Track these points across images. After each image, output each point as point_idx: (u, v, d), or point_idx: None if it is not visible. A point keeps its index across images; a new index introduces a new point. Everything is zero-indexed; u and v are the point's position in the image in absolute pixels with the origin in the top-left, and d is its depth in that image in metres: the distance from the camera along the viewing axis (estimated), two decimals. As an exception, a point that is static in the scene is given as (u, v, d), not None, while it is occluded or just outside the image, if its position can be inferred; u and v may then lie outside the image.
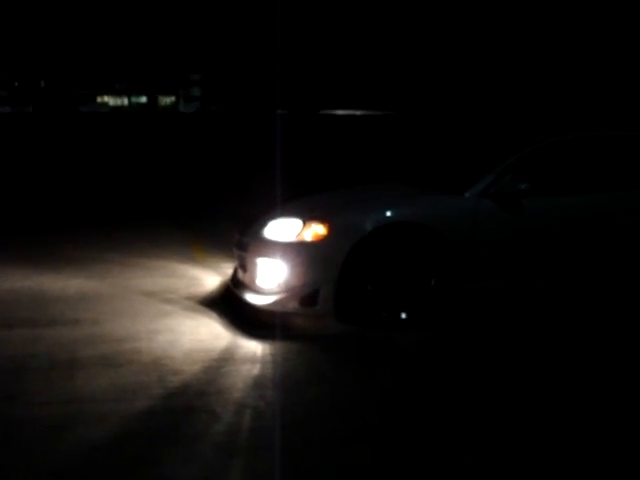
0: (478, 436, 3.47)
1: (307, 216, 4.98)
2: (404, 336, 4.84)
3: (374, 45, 40.11)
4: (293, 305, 4.89)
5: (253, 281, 5.07)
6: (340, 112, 38.29)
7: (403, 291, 4.94)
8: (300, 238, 4.91)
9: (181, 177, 14.12)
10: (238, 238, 5.39)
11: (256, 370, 4.24)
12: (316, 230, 4.89)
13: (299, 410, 3.70)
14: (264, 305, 4.96)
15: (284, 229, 4.99)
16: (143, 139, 24.44)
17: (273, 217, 5.14)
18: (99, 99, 50.20)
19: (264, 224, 5.12)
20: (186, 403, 3.75)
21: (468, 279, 5.05)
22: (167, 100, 50.00)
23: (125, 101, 50.98)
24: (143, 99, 49.54)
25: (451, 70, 37.22)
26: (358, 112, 37.49)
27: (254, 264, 5.05)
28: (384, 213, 4.95)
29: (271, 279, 4.94)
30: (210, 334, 4.81)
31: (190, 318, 5.13)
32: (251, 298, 5.04)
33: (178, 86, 49.00)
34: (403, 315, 4.95)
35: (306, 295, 4.85)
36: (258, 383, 4.05)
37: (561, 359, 4.51)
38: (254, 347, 4.61)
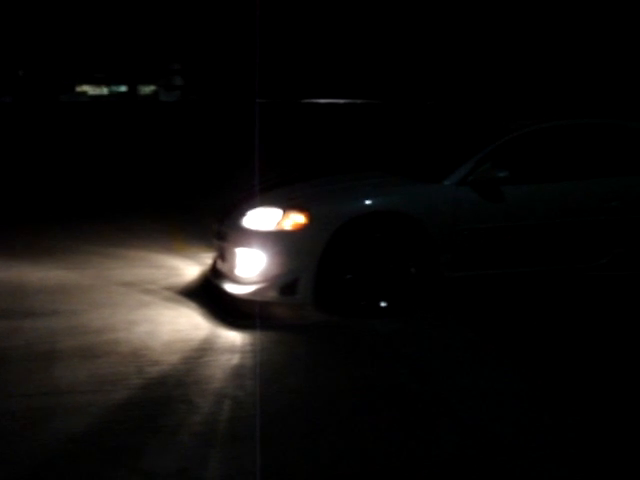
0: (459, 424, 3.49)
1: (286, 205, 4.98)
2: (384, 325, 4.85)
3: (356, 33, 40.03)
4: (272, 294, 4.88)
5: (232, 271, 5.06)
6: (322, 101, 38.22)
7: (383, 280, 4.95)
8: (279, 227, 4.90)
9: (163, 167, 14.04)
10: (217, 228, 5.37)
11: (235, 360, 4.24)
12: (295, 219, 4.88)
13: (279, 400, 3.70)
14: (243, 294, 4.95)
15: (263, 218, 4.98)
16: (124, 129, 24.23)
17: (252, 206, 5.12)
18: (78, 88, 49.67)
19: (243, 213, 5.10)
20: (165, 394, 3.75)
21: (449, 268, 5.07)
22: (147, 89, 49.57)
23: (104, 90, 50.50)
24: (123, 88, 49.06)
25: (434, 58, 37.22)
26: (341, 101, 37.42)
27: (233, 254, 5.04)
28: (363, 202, 4.95)
29: (250, 268, 4.94)
30: (189, 324, 4.81)
31: (169, 308, 5.11)
32: (230, 288, 5.03)
33: (158, 75, 48.58)
34: (383, 304, 4.96)
35: (285, 284, 4.85)
36: (237, 373, 4.05)
37: (543, 346, 4.55)
38: (233, 337, 4.61)
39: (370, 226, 4.90)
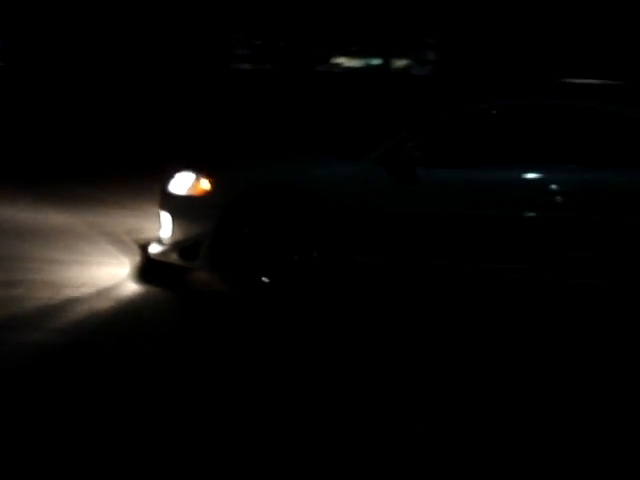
0: (318, 402, 3.42)
1: (198, 170, 4.99)
2: (269, 303, 4.77)
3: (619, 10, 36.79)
4: (174, 257, 4.97)
5: (159, 232, 5.23)
6: (577, 81, 35.67)
7: (275, 255, 4.82)
8: (189, 192, 4.94)
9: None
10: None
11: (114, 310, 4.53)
12: (202, 184, 4.89)
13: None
14: (153, 255, 5.11)
15: (180, 182, 5.03)
16: (375, 99, 24.75)
17: (180, 170, 5.20)
18: (333, 60, 51.65)
19: (171, 177, 5.21)
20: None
21: (355, 251, 4.76)
22: (400, 63, 50.05)
23: (358, 63, 51.96)
24: (376, 61, 50.06)
25: None
26: (596, 81, 34.68)
27: (159, 216, 5.20)
28: (259, 172, 4.83)
29: (166, 231, 5.07)
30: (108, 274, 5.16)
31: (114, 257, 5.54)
32: (151, 247, 5.21)
33: (412, 49, 48.80)
34: (265, 279, 4.85)
35: (186, 248, 4.91)
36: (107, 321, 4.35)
37: (428, 341, 4.24)
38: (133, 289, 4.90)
39: (266, 199, 4.76)
